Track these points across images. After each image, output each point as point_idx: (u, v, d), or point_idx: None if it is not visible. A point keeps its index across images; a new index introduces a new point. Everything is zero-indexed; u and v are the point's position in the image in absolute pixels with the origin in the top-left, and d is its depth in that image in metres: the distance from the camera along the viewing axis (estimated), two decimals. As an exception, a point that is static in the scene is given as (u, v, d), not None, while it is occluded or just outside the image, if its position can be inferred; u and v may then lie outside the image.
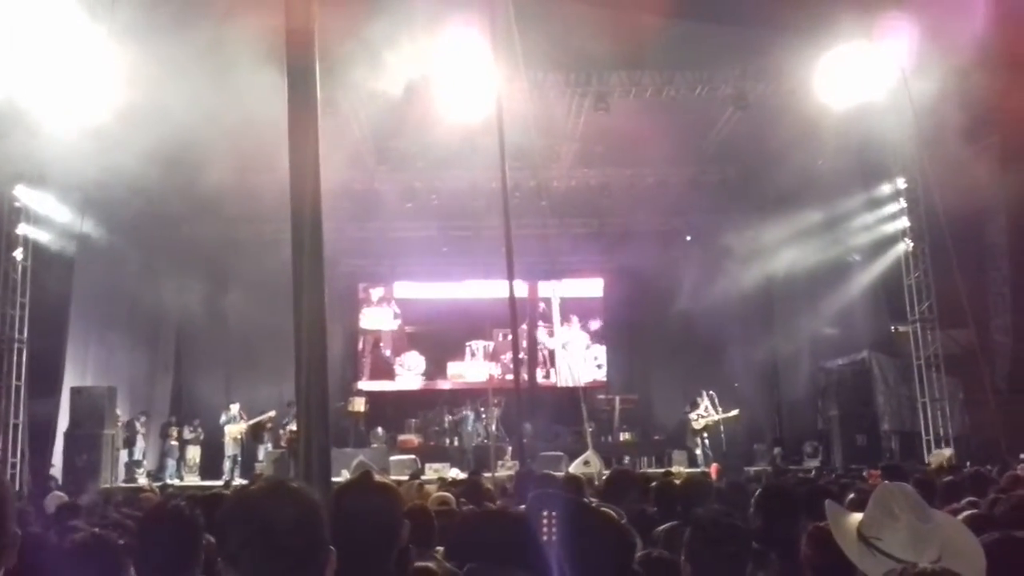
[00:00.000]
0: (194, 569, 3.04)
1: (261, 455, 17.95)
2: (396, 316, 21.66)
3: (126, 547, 2.98)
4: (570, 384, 21.22)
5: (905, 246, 16.33)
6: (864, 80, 13.67)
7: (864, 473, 10.94)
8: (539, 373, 21.49)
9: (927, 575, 1.68)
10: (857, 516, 2.45)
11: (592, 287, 22.10)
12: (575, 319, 21.99)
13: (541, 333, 21.89)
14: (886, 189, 16.62)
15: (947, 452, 10.27)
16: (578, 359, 21.73)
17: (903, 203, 16.32)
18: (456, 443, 18.80)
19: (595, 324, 22.00)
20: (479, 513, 4.35)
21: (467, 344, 21.40)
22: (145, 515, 3.66)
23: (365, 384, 20.81)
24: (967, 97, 12.34)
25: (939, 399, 15.89)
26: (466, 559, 3.07)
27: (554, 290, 21.85)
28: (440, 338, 21.42)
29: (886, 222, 16.74)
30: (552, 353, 21.86)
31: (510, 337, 19.89)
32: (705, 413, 18.07)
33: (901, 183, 16.27)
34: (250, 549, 1.74)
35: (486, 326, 20.61)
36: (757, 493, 4.47)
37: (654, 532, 4.60)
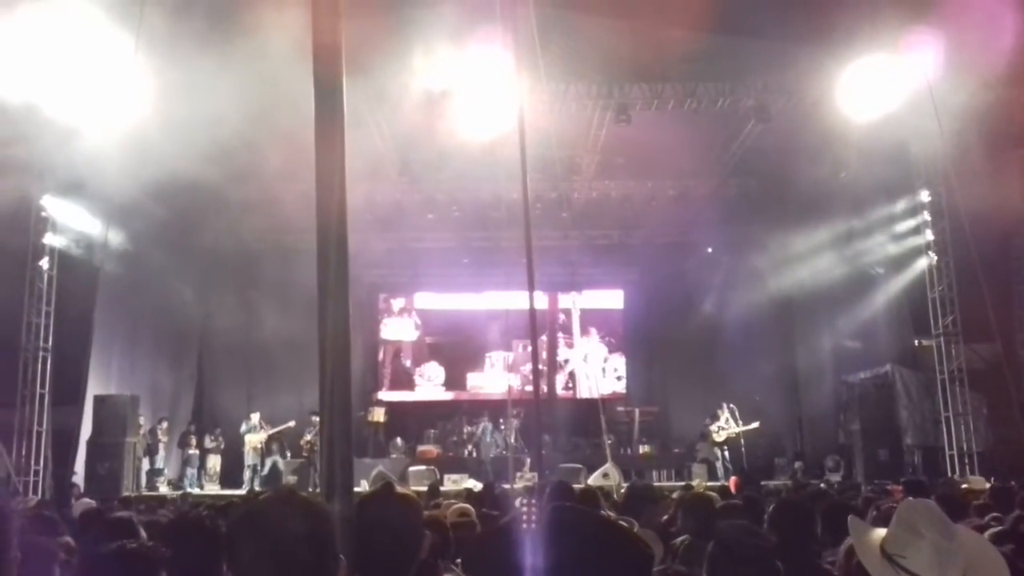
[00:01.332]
0: None
1: (267, 467, 18.01)
2: (417, 327, 21.72)
3: (163, 559, 3.00)
4: (589, 396, 21.16)
5: (929, 259, 16.19)
6: (888, 92, 13.60)
7: (888, 487, 10.83)
8: (558, 384, 21.46)
9: None
10: (881, 532, 2.43)
11: (612, 299, 22.07)
12: (594, 331, 21.95)
13: (560, 345, 21.87)
14: (910, 202, 16.51)
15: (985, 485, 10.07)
16: (597, 371, 21.68)
17: (927, 216, 16.20)
18: (475, 454, 18.80)
19: (615, 336, 21.95)
20: (496, 528, 4.34)
21: (486, 355, 21.41)
22: (167, 525, 3.69)
23: (385, 394, 20.85)
24: (993, 109, 12.25)
25: (963, 414, 15.73)
26: (483, 574, 3.06)
27: (574, 302, 21.82)
28: (460, 349, 21.46)
29: (910, 235, 16.62)
30: (571, 364, 21.83)
31: (530, 348, 19.94)
32: (726, 425, 17.97)
33: (925, 196, 16.16)
34: (260, 561, 1.74)
35: (506, 337, 20.60)
36: (771, 509, 4.44)
37: (671, 544, 4.59)
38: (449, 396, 21.29)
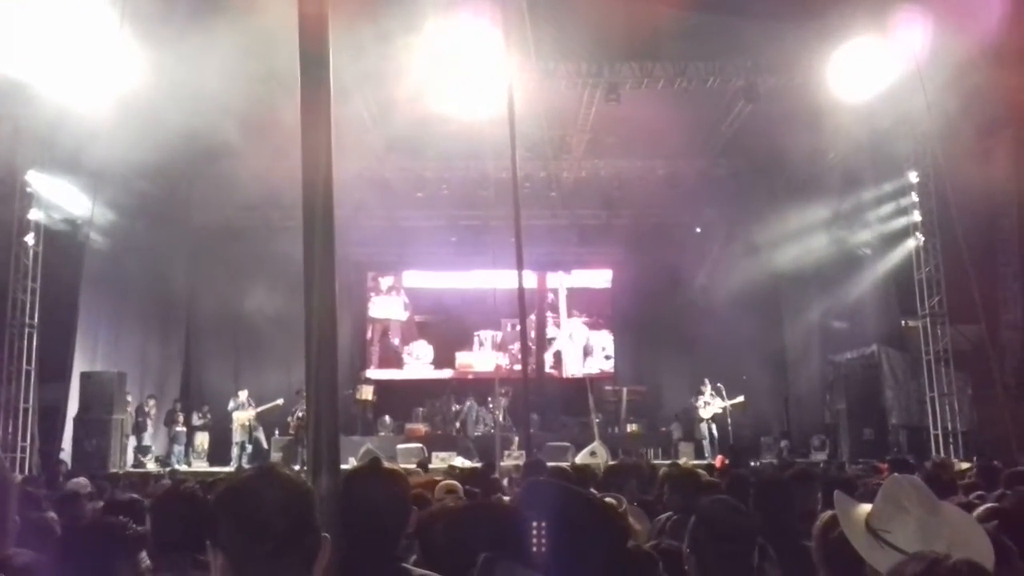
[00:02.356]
0: (198, 550, 3.06)
1: (254, 444, 18.01)
2: (406, 307, 21.70)
3: (135, 534, 3.00)
4: (576, 375, 21.25)
5: (916, 240, 16.24)
6: (877, 73, 13.59)
7: (875, 464, 10.92)
8: (546, 363, 21.51)
9: (940, 563, 1.67)
10: (866, 507, 2.45)
11: (601, 278, 22.11)
12: (582, 310, 21.99)
13: (548, 324, 21.91)
14: (898, 183, 16.53)
15: (964, 465, 10.13)
16: (584, 350, 21.75)
17: (915, 197, 16.22)
18: (463, 432, 18.85)
19: (603, 315, 22.00)
20: (471, 506, 4.37)
21: (475, 334, 21.43)
22: (158, 497, 3.71)
23: (373, 372, 20.86)
24: (981, 91, 12.27)
25: (948, 394, 15.83)
26: (460, 552, 3.07)
27: (561, 281, 21.87)
28: (448, 327, 21.45)
29: (897, 216, 16.66)
30: (557, 343, 21.88)
31: (518, 327, 19.96)
32: (710, 400, 18.07)
33: (913, 177, 16.17)
34: (239, 535, 1.76)
35: (494, 316, 20.59)
36: (754, 490, 4.47)
37: (656, 520, 4.61)
38: (437, 375, 21.30)
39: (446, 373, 21.28)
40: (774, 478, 5.41)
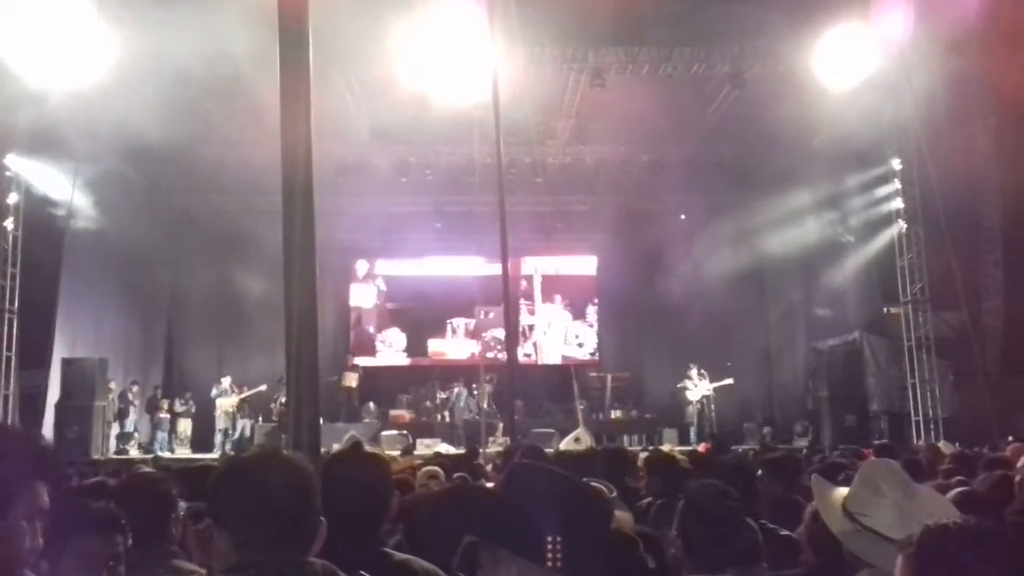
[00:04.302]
0: (165, 541, 3.00)
1: (238, 431, 17.96)
2: (378, 295, 21.63)
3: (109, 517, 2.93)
4: (553, 362, 21.27)
5: (899, 227, 16.33)
6: (862, 60, 13.62)
7: (860, 450, 10.98)
8: (525, 350, 21.43)
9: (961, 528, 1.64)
10: (843, 491, 2.46)
11: (586, 264, 22.09)
12: (558, 297, 21.96)
13: (523, 312, 21.80)
14: (881, 170, 16.60)
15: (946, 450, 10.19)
16: (560, 337, 21.74)
17: (898, 184, 16.30)
18: (447, 419, 18.83)
19: (588, 301, 21.99)
20: (455, 489, 4.36)
21: (448, 321, 21.38)
22: (120, 484, 3.64)
23: (358, 359, 20.81)
24: (964, 78, 12.32)
25: (929, 381, 15.95)
26: (444, 536, 3.06)
27: (536, 268, 21.77)
28: (421, 315, 21.36)
29: (880, 203, 16.73)
30: (532, 330, 21.84)
31: (491, 315, 19.96)
32: (697, 382, 18.13)
33: (896, 164, 16.24)
34: (243, 511, 1.79)
35: (468, 303, 20.53)
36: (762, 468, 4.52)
37: (637, 506, 4.61)
38: (409, 362, 21.29)
39: (417, 360, 21.21)
40: (796, 460, 5.47)
